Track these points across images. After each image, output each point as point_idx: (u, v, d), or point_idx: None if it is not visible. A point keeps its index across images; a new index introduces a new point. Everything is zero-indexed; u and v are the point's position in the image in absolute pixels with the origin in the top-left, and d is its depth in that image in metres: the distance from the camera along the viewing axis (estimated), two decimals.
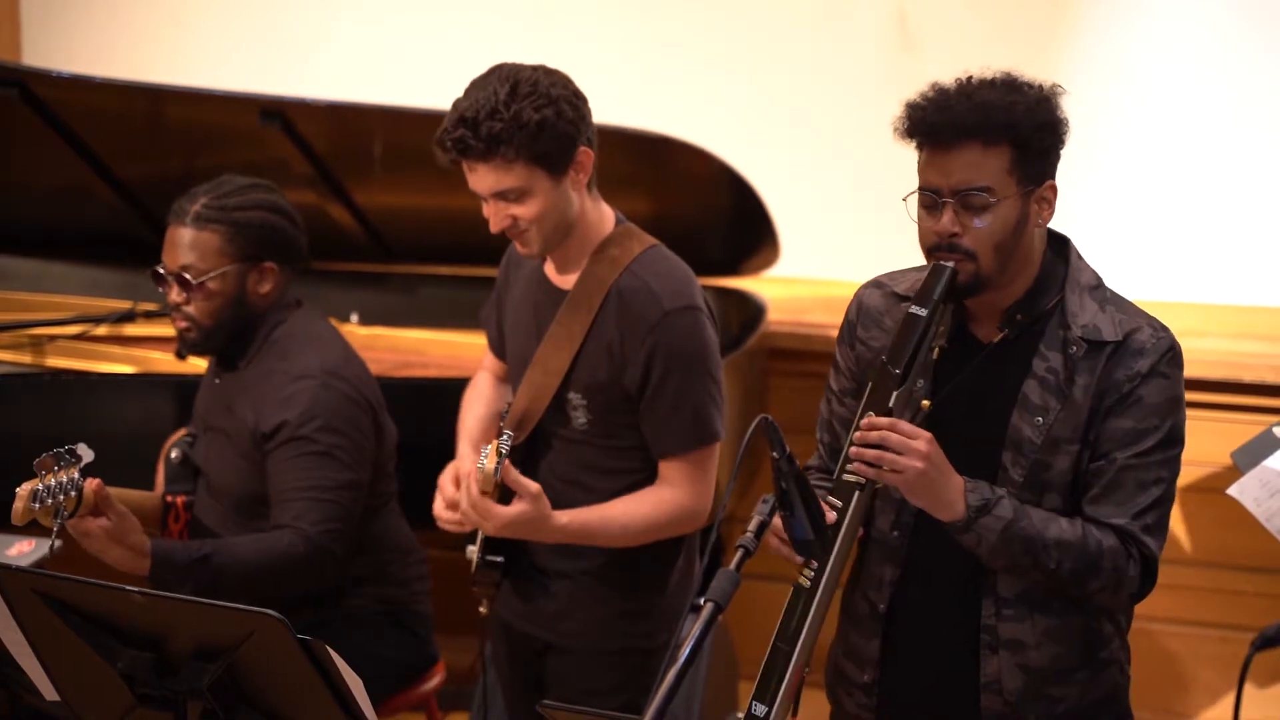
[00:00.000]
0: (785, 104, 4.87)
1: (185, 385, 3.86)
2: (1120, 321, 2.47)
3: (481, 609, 3.09)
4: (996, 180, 2.39)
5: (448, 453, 3.17)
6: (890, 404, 2.38)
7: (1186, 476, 4.21)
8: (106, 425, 3.78)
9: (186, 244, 3.20)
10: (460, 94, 2.87)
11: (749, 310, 4.46)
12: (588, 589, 3.01)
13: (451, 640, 3.60)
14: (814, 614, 2.38)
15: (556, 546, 2.98)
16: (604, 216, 2.98)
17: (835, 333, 2.66)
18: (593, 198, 2.96)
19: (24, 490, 2.80)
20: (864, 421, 2.39)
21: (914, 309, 2.40)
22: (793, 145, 4.85)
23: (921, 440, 2.36)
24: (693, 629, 2.13)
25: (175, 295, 3.23)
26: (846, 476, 2.39)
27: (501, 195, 2.85)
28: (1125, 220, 4.68)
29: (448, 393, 3.35)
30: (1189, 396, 4.29)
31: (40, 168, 4.33)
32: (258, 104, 4.12)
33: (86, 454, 2.86)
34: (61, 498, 2.83)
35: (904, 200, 2.45)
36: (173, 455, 3.39)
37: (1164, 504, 2.47)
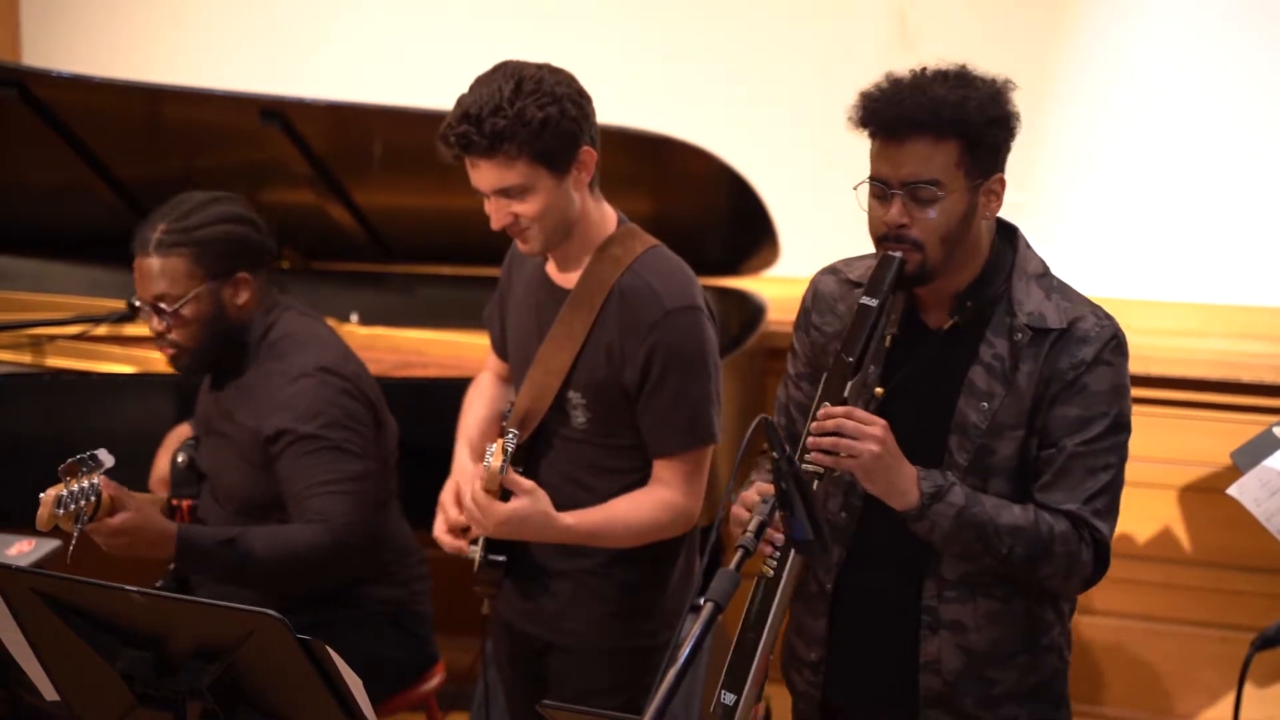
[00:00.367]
0: (785, 104, 4.87)
1: (185, 385, 3.86)
2: (1065, 309, 2.51)
3: (483, 609, 3.09)
4: (945, 174, 2.43)
5: (448, 453, 3.17)
6: (845, 393, 2.44)
7: (1186, 476, 4.24)
8: (106, 425, 3.78)
9: (156, 273, 3.18)
10: (462, 93, 2.87)
11: (748, 310, 4.46)
12: (589, 588, 3.01)
13: (451, 640, 3.60)
14: (778, 603, 2.43)
15: (558, 546, 2.98)
16: (606, 216, 2.98)
17: None
18: (595, 197, 2.96)
19: (49, 496, 2.80)
20: (820, 411, 2.43)
21: (865, 299, 2.45)
22: (793, 145, 4.84)
23: (876, 427, 2.42)
24: (693, 629, 2.13)
25: (156, 325, 3.22)
26: (805, 466, 2.42)
27: (503, 192, 2.85)
28: (1125, 220, 4.68)
29: (448, 392, 3.35)
30: (1187, 397, 4.31)
31: (40, 168, 4.33)
32: (257, 104, 4.12)
33: (107, 459, 2.87)
34: (83, 503, 2.84)
35: (855, 190, 2.49)
36: (179, 459, 3.38)
37: (1114, 489, 2.53)
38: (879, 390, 2.51)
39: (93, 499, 2.86)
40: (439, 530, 3.03)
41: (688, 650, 2.11)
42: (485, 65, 2.91)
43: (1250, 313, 4.57)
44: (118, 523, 2.93)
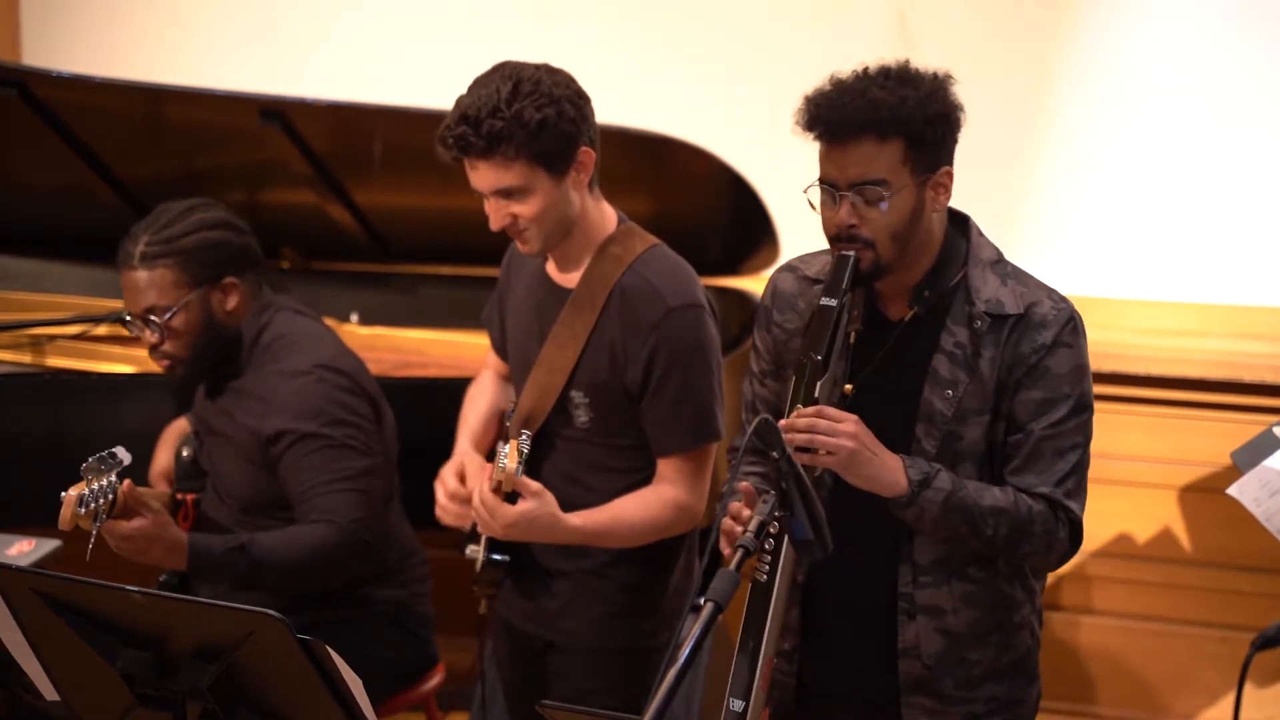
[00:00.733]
0: (785, 104, 4.85)
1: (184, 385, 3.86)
2: (1021, 295, 2.55)
3: (481, 609, 3.09)
4: (891, 173, 2.47)
5: (448, 453, 3.17)
6: (816, 393, 2.47)
7: (1186, 476, 4.24)
8: (107, 425, 3.78)
9: (143, 286, 3.18)
10: (460, 94, 2.87)
11: (748, 310, 4.46)
12: (590, 588, 3.01)
13: (451, 640, 3.60)
14: (774, 606, 2.45)
15: (559, 546, 2.98)
16: (606, 216, 2.98)
17: None
18: (594, 197, 2.96)
19: (71, 496, 2.79)
20: (793, 414, 2.46)
21: (824, 300, 2.49)
22: (793, 145, 4.83)
23: (849, 422, 2.45)
24: (693, 629, 2.13)
25: (149, 337, 3.21)
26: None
27: (502, 193, 2.85)
28: (1125, 220, 4.68)
29: (449, 392, 3.35)
30: (1188, 397, 4.30)
31: (40, 168, 4.33)
32: (258, 104, 4.11)
33: (125, 457, 2.86)
34: (102, 501, 2.84)
35: (805, 193, 2.54)
36: (184, 453, 3.39)
37: (1082, 468, 2.57)
38: (848, 387, 2.56)
39: (110, 497, 2.86)
40: (440, 497, 3.02)
41: (688, 650, 2.11)
42: (486, 65, 2.91)
43: (1250, 313, 4.57)
44: (133, 528, 2.93)
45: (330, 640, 2.26)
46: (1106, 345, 4.34)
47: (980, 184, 4.51)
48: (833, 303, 2.47)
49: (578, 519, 2.90)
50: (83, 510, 2.80)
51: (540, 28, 5.09)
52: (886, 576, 2.60)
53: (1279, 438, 2.97)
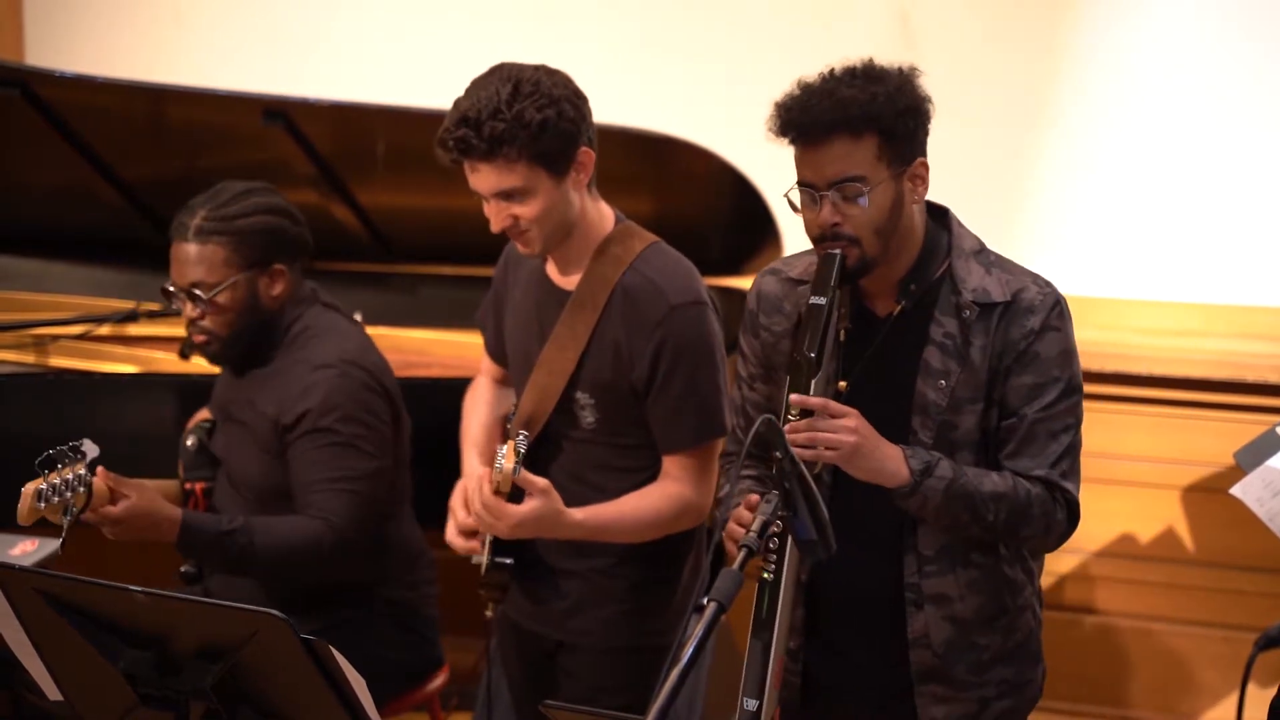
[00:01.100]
0: None
1: (188, 385, 3.86)
2: (1007, 282, 2.59)
3: (487, 612, 3.09)
4: (867, 169, 2.50)
5: (453, 451, 3.17)
6: (811, 391, 2.49)
7: (1189, 476, 4.24)
8: (109, 425, 3.78)
9: (193, 259, 3.20)
10: (458, 97, 2.87)
11: None
12: (598, 587, 3.01)
13: (455, 640, 3.61)
14: (782, 604, 2.48)
15: (566, 546, 2.98)
16: (604, 216, 2.98)
17: None
18: (593, 197, 2.96)
19: (29, 489, 2.80)
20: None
21: (814, 299, 2.51)
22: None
23: (849, 417, 2.48)
24: (695, 629, 2.13)
25: (190, 311, 3.23)
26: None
27: (503, 195, 2.85)
28: (1126, 220, 4.68)
29: (451, 392, 3.35)
30: (1190, 397, 4.31)
31: (43, 168, 4.33)
32: (260, 104, 4.11)
33: (91, 449, 2.86)
34: (69, 495, 2.83)
35: (785, 196, 2.56)
36: (188, 443, 3.39)
37: (1075, 449, 2.61)
38: (842, 384, 2.58)
39: (81, 490, 2.86)
40: (450, 534, 3.03)
41: (691, 650, 2.11)
42: (488, 65, 2.91)
43: (1253, 313, 4.57)
44: (118, 512, 2.94)
45: (337, 640, 2.26)
46: (1108, 345, 4.34)
47: (981, 184, 4.54)
48: (822, 301, 2.50)
49: (582, 514, 2.91)
50: (43, 504, 2.80)
51: (541, 28, 5.09)
52: (891, 569, 2.63)
53: None
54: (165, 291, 3.27)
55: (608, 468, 2.98)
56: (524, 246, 2.93)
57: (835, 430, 2.47)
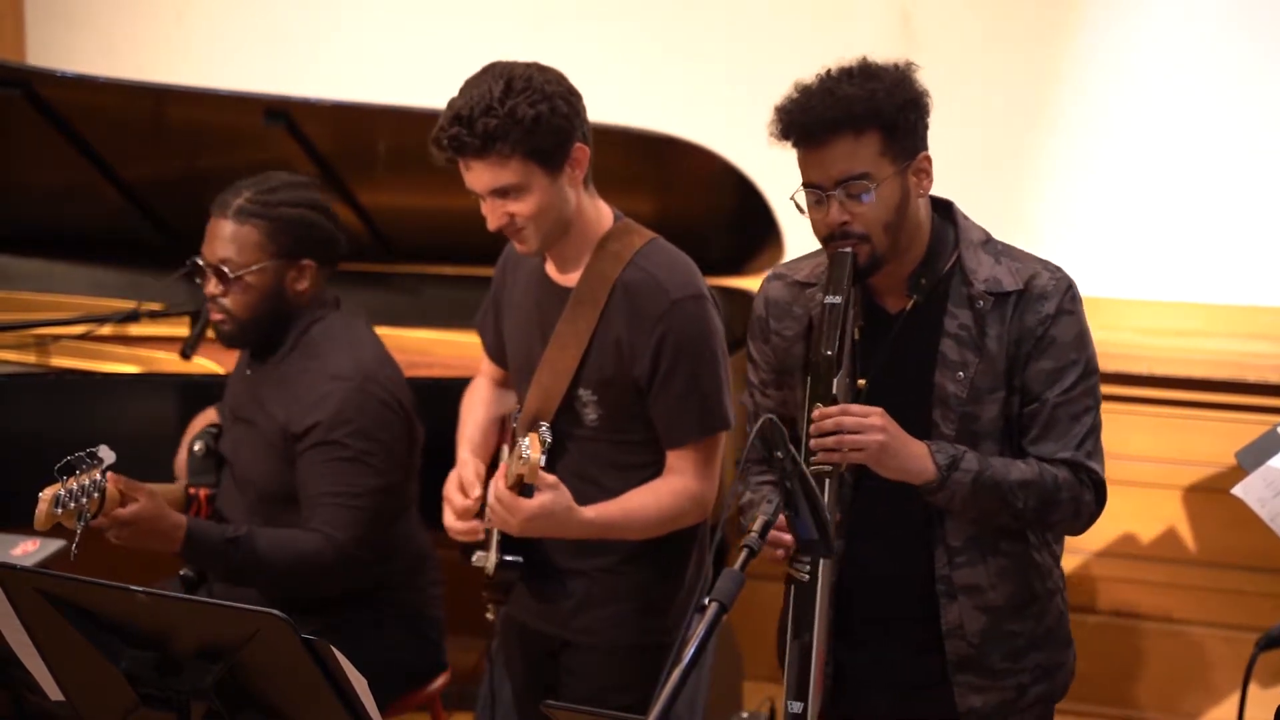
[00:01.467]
0: None
1: (189, 385, 3.86)
2: (1017, 270, 2.61)
3: (488, 615, 3.08)
4: (872, 165, 2.51)
5: (453, 453, 3.17)
6: (834, 390, 2.51)
7: (1191, 476, 4.24)
8: (110, 425, 3.78)
9: (227, 237, 3.21)
10: (451, 96, 2.87)
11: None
12: (604, 585, 3.01)
13: (457, 640, 3.60)
14: (820, 604, 2.49)
15: (571, 545, 2.99)
16: (602, 213, 2.99)
17: None
18: (590, 195, 2.96)
19: (47, 494, 2.80)
20: (815, 413, 2.50)
21: (829, 299, 2.53)
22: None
23: (874, 415, 2.50)
24: (697, 629, 2.13)
25: (213, 287, 3.24)
26: (813, 469, 2.48)
27: (498, 192, 2.86)
28: (1127, 220, 4.68)
29: (454, 392, 3.35)
30: (1192, 397, 4.30)
31: (44, 168, 4.33)
32: (262, 104, 4.12)
33: (108, 456, 2.87)
34: (85, 500, 2.84)
35: (791, 199, 2.58)
36: (195, 448, 3.39)
37: (1097, 429, 2.63)
38: (861, 382, 2.58)
39: (96, 495, 2.87)
40: (449, 519, 3.03)
41: (692, 650, 2.11)
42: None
43: (1254, 313, 4.57)
44: (127, 514, 2.95)
45: (342, 641, 2.26)
46: (1110, 345, 4.33)
47: (981, 184, 4.53)
48: (838, 300, 2.51)
49: (591, 511, 2.91)
50: (59, 510, 2.81)
51: (541, 27, 5.09)
52: (919, 564, 2.63)
53: None
54: (193, 265, 3.27)
55: (611, 465, 2.98)
56: (521, 244, 2.93)
57: (862, 430, 2.48)
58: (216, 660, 2.28)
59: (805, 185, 2.55)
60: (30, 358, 4.08)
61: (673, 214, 4.32)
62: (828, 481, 2.49)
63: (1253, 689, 3.24)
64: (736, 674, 4.27)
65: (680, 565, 3.05)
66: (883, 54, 2.60)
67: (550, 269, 3.02)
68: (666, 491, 2.95)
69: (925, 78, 2.58)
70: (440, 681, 3.52)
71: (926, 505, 2.59)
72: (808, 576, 2.50)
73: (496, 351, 3.19)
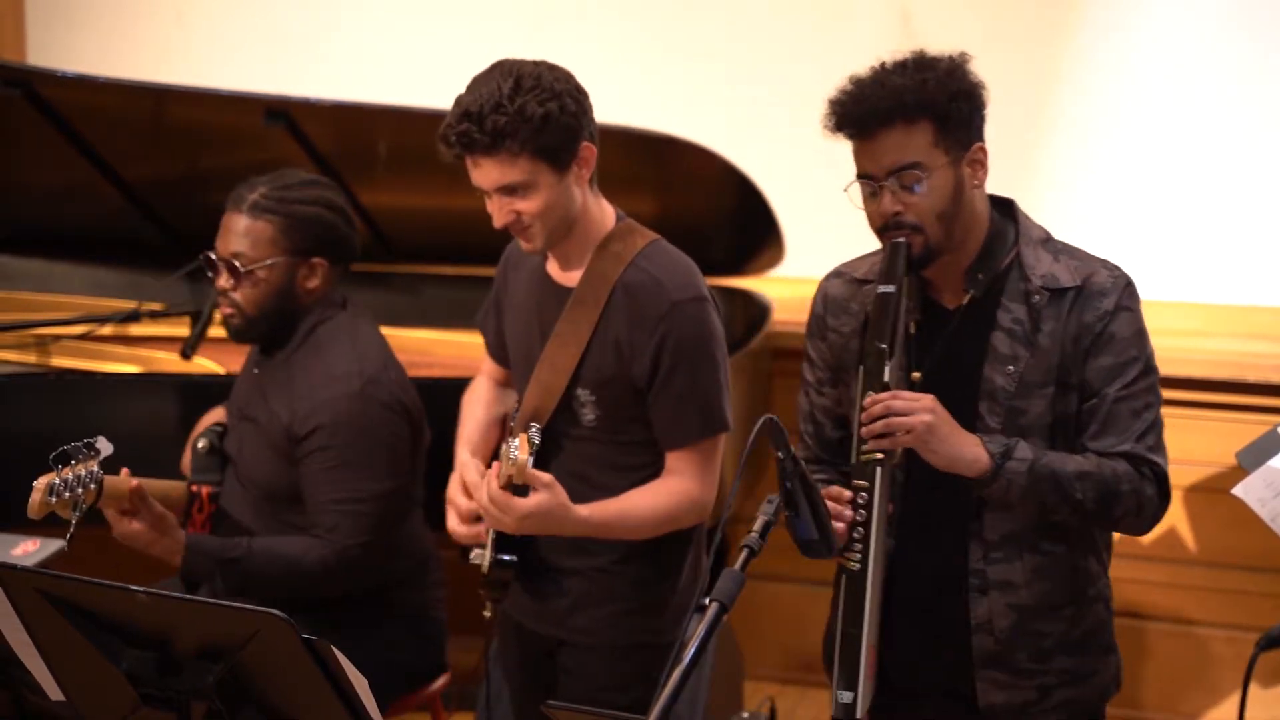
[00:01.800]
0: (789, 104, 4.87)
1: (190, 385, 3.87)
2: (1075, 268, 2.61)
3: (485, 613, 3.09)
4: (924, 155, 2.52)
5: (453, 452, 3.16)
6: (886, 377, 2.51)
7: (1191, 476, 4.24)
8: (111, 425, 3.76)
9: (240, 231, 3.22)
10: (459, 93, 2.87)
11: (754, 310, 4.46)
12: (600, 585, 3.01)
13: (456, 640, 3.61)
14: (870, 593, 2.50)
15: (568, 544, 2.98)
16: (605, 213, 2.99)
17: None
18: (594, 194, 2.96)
19: (41, 483, 2.81)
20: (866, 400, 2.51)
21: (883, 287, 2.53)
22: (794, 145, 4.83)
23: (925, 399, 2.50)
24: (697, 629, 2.13)
25: (224, 281, 3.24)
26: (865, 457, 2.51)
27: (506, 190, 2.85)
28: (1128, 220, 4.68)
29: (454, 393, 3.35)
30: (1192, 397, 4.30)
31: (44, 168, 4.33)
32: (262, 104, 4.12)
33: (105, 447, 2.88)
34: (80, 491, 2.84)
35: (845, 191, 2.58)
36: (199, 445, 3.39)
37: (1158, 426, 2.62)
38: (916, 375, 2.59)
39: (92, 487, 2.87)
40: (453, 523, 3.03)
41: (692, 650, 2.11)
42: (488, 65, 2.91)
43: (1255, 313, 4.58)
44: (134, 530, 3.00)
45: (343, 641, 2.26)
46: None
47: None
48: (891, 289, 2.52)
49: (587, 510, 2.91)
50: (54, 499, 2.81)
51: (542, 27, 5.10)
52: (954, 556, 2.63)
53: None
54: (205, 258, 3.28)
55: (608, 465, 2.98)
56: (526, 242, 2.93)
57: (911, 412, 2.48)
58: (217, 660, 2.28)
59: (859, 177, 2.56)
60: (31, 358, 4.08)
61: (673, 214, 4.33)
62: (879, 470, 2.51)
63: (1253, 689, 3.24)
64: (737, 674, 4.28)
65: (676, 565, 3.05)
66: (881, 55, 2.60)
67: (552, 268, 3.02)
68: (665, 492, 2.96)
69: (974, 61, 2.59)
70: (441, 682, 3.52)
71: (965, 500, 2.59)
72: (859, 566, 2.50)
73: (498, 350, 3.19)
